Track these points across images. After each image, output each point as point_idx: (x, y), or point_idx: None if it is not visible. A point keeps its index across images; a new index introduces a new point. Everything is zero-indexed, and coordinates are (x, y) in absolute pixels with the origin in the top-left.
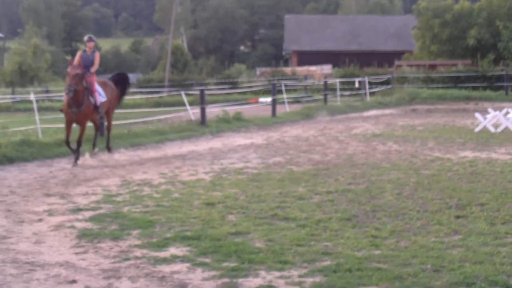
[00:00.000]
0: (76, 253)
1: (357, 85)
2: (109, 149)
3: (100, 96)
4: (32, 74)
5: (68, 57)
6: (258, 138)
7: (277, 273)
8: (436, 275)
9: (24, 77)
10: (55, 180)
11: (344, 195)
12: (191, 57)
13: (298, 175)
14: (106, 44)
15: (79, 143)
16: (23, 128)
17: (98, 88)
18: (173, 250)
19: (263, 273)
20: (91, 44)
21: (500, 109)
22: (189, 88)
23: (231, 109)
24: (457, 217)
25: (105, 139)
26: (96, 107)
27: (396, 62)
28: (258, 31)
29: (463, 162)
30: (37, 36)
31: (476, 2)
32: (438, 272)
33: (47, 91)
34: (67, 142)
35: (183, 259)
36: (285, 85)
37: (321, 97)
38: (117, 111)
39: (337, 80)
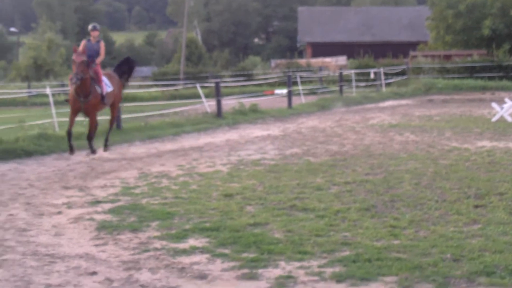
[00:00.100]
0: (96, 245)
1: (372, 76)
2: (106, 145)
3: (107, 86)
4: (47, 68)
5: None
6: (274, 129)
7: (297, 264)
8: (455, 265)
9: (39, 71)
10: (73, 173)
11: (362, 186)
12: (206, 50)
13: (315, 166)
14: (120, 38)
15: (90, 137)
16: (39, 122)
17: (104, 78)
18: (192, 242)
19: (282, 263)
20: (96, 33)
21: None
22: (204, 81)
23: (247, 101)
24: (476, 206)
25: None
26: (102, 97)
27: (411, 53)
28: (271, 23)
29: (480, 152)
30: (51, 30)
31: None
32: (457, 262)
33: (62, 85)
34: (69, 133)
35: (202, 250)
36: (300, 77)
37: (337, 88)
38: (133, 103)
39: (352, 71)
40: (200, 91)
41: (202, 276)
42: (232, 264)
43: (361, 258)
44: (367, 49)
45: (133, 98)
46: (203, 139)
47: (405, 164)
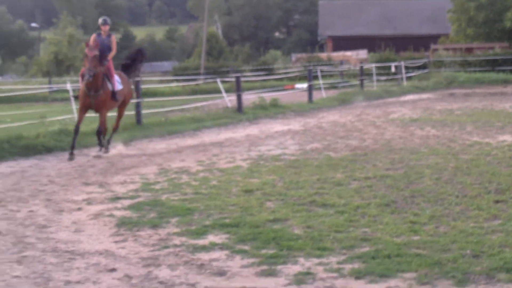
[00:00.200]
0: (116, 242)
1: (393, 69)
2: (107, 145)
3: (117, 83)
4: (68, 64)
5: None
6: (295, 124)
7: (316, 260)
8: (475, 261)
9: (60, 66)
10: (93, 169)
11: (383, 181)
12: (226, 44)
13: (335, 161)
14: (140, 33)
15: (99, 132)
16: (60, 118)
17: (116, 76)
18: (212, 238)
19: (301, 259)
20: (106, 28)
21: None
22: (225, 75)
23: (268, 96)
24: (497, 201)
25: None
26: (113, 94)
27: (432, 46)
28: (292, 17)
29: (502, 146)
30: (72, 25)
31: None
32: (477, 258)
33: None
34: (77, 130)
35: (222, 247)
36: (321, 71)
37: (357, 82)
38: (154, 99)
39: (373, 65)
40: (221, 85)
41: (221, 273)
42: (251, 260)
43: (381, 254)
44: (388, 43)
45: (154, 93)
46: (223, 134)
47: (426, 159)
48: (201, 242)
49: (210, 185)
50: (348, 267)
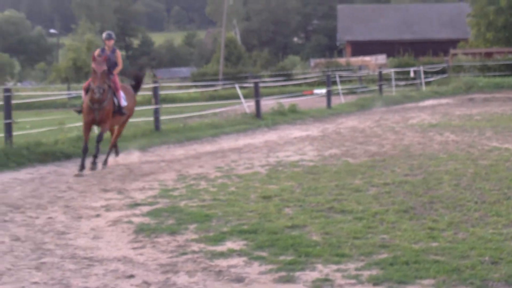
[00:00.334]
0: (134, 248)
1: (412, 74)
2: (105, 163)
3: (123, 99)
4: (87, 70)
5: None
6: (313, 130)
7: (334, 266)
8: (494, 267)
9: (79, 73)
10: (112, 176)
11: (401, 187)
12: (245, 49)
13: (354, 167)
14: (159, 39)
15: (98, 140)
16: (79, 124)
17: (121, 92)
18: (230, 244)
19: (320, 266)
20: (111, 43)
21: None
22: (243, 81)
23: (286, 101)
24: None
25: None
26: (120, 108)
27: (452, 51)
28: (311, 22)
29: None
30: (91, 31)
31: None
32: (496, 264)
33: None
34: (85, 150)
35: (240, 253)
36: (340, 76)
37: (376, 87)
38: (172, 105)
39: (392, 70)
40: (239, 91)
41: (239, 279)
42: (269, 267)
43: (399, 260)
44: (407, 47)
45: (172, 99)
46: (242, 140)
47: (444, 164)
48: (219, 248)
49: (228, 191)
50: (366, 273)
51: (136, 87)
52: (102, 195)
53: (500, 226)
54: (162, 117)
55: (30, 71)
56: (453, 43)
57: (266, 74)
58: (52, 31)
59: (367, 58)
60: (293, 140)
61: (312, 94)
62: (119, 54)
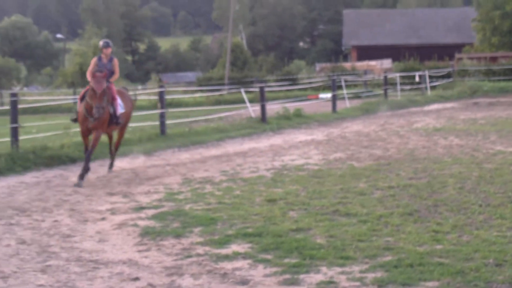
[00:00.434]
0: (139, 251)
1: (417, 79)
2: (111, 165)
3: (120, 106)
4: None
5: (129, 57)
6: (318, 134)
7: (338, 269)
8: (498, 270)
9: (85, 78)
10: (117, 179)
11: (406, 190)
12: (251, 54)
13: (359, 171)
14: (165, 43)
15: (90, 151)
16: None
17: (118, 100)
18: (235, 247)
19: (324, 269)
20: (108, 51)
21: None
22: (249, 86)
23: (291, 106)
24: None
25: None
26: (116, 117)
27: (457, 55)
28: (317, 26)
29: None
30: (97, 36)
31: None
32: (500, 267)
33: None
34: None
35: (244, 256)
36: (345, 81)
37: (381, 92)
38: (178, 109)
39: (397, 74)
40: (245, 96)
41: (244, 282)
42: (274, 269)
43: (403, 263)
44: (412, 52)
45: (178, 104)
46: (247, 144)
47: (449, 168)
48: (224, 251)
49: (233, 195)
50: (370, 276)
51: None
52: (107, 199)
53: (504, 228)
54: (168, 121)
55: (37, 76)
56: (459, 47)
57: (271, 79)
58: (58, 36)
59: (372, 63)
60: (298, 144)
61: (317, 98)
62: (117, 62)
